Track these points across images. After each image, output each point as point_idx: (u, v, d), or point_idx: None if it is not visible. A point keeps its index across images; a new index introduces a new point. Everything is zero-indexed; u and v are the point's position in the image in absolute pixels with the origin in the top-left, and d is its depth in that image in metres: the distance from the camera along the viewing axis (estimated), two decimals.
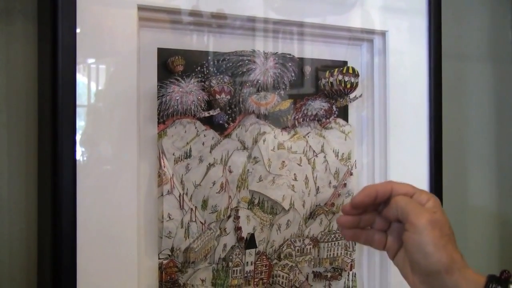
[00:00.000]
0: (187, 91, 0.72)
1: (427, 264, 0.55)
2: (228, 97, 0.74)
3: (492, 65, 1.10)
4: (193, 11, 0.71)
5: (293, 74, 0.81)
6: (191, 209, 0.72)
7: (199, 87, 0.73)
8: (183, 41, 0.73)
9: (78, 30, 0.62)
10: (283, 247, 0.80)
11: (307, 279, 0.83)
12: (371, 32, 0.87)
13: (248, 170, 0.77)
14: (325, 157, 0.84)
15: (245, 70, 0.76)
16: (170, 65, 0.71)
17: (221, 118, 0.75)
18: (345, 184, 0.85)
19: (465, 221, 1.06)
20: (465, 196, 1.07)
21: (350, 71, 0.83)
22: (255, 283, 0.77)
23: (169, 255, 0.71)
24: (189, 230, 0.72)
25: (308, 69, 0.83)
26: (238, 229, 0.76)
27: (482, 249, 1.08)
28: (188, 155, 0.72)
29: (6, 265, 0.66)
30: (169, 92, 0.70)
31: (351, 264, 0.86)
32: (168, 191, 0.71)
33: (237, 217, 0.76)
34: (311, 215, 0.83)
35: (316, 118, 0.83)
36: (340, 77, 0.82)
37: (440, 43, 0.90)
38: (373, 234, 0.64)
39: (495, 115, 1.10)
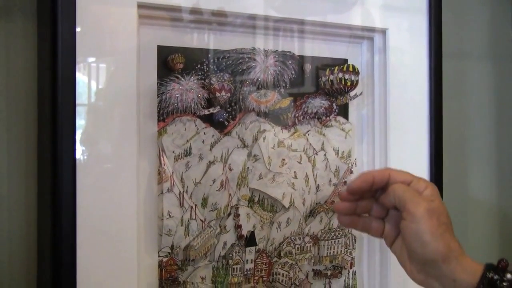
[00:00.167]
0: (187, 89, 0.72)
1: (424, 253, 0.55)
2: (228, 95, 0.74)
3: (492, 63, 1.10)
4: (194, 8, 0.71)
5: (293, 72, 0.81)
6: (191, 207, 0.72)
7: (199, 85, 0.73)
8: (183, 38, 0.73)
9: (78, 29, 0.62)
10: (283, 245, 0.80)
11: (307, 277, 0.83)
12: (372, 30, 0.87)
13: (248, 168, 0.77)
14: (325, 155, 0.84)
15: (245, 68, 0.76)
16: (170, 63, 0.71)
17: (221, 116, 0.75)
18: (345, 182, 0.85)
19: (465, 219, 1.06)
20: (465, 194, 1.07)
21: (351, 69, 0.83)
22: (255, 281, 0.77)
23: (169, 253, 0.71)
24: (189, 228, 0.72)
25: (308, 67, 0.83)
26: (238, 227, 0.76)
27: (482, 247, 1.08)
28: (188, 153, 0.73)
29: (6, 263, 0.66)
30: (169, 90, 0.70)
31: (351, 262, 0.86)
32: (168, 189, 0.71)
33: (237, 215, 0.76)
34: (311, 213, 0.83)
35: (316, 116, 0.83)
36: (340, 75, 0.82)
37: (441, 41, 0.90)
38: (370, 221, 0.64)
39: (496, 114, 1.10)
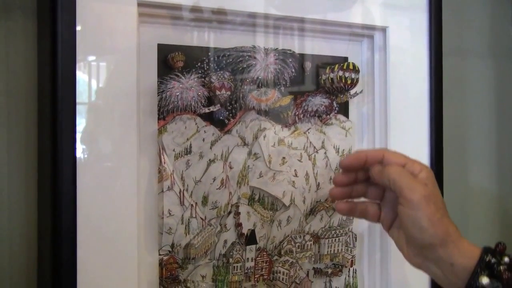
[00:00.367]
0: (187, 87, 0.71)
1: (422, 238, 0.55)
2: (229, 93, 0.74)
3: (493, 61, 1.09)
4: (194, 7, 0.71)
5: (293, 70, 0.80)
6: (192, 205, 0.72)
7: (199, 83, 0.73)
8: (183, 37, 0.73)
9: (78, 27, 0.62)
10: (283, 243, 0.80)
11: (307, 275, 0.83)
12: (372, 28, 0.87)
13: (248, 166, 0.77)
14: (325, 153, 0.84)
15: (245, 66, 0.76)
16: (170, 61, 0.71)
17: (221, 114, 0.75)
18: None
19: (466, 217, 1.06)
20: (466, 192, 1.07)
21: (351, 67, 0.83)
22: (255, 279, 0.77)
23: (169, 251, 0.71)
24: (189, 226, 0.72)
25: (308, 65, 0.83)
26: (238, 225, 0.76)
27: (483, 243, 1.08)
28: (188, 151, 0.72)
29: (6, 262, 0.66)
30: (169, 88, 0.70)
31: (352, 260, 0.86)
32: (169, 187, 0.71)
33: (237, 213, 0.76)
34: (312, 211, 0.83)
35: (317, 114, 0.83)
36: (340, 73, 0.82)
37: (441, 39, 0.90)
38: (366, 206, 0.64)
39: (496, 112, 1.10)
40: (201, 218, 0.73)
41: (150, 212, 0.70)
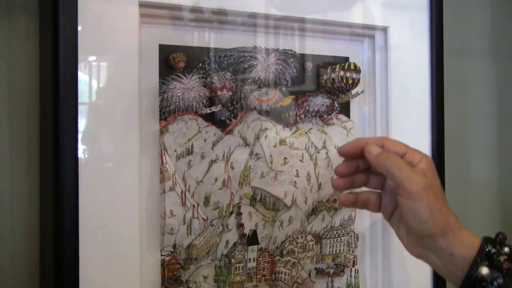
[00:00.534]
0: (188, 88, 0.71)
1: (422, 228, 0.55)
2: (230, 93, 0.74)
3: (494, 60, 1.10)
4: (195, 7, 0.71)
5: (294, 70, 0.80)
6: (193, 205, 0.72)
7: (200, 84, 0.73)
8: (184, 37, 0.73)
9: (79, 27, 0.62)
10: (285, 243, 0.80)
11: (309, 275, 0.83)
12: (373, 28, 0.87)
13: (250, 166, 0.77)
14: (327, 153, 0.83)
15: (246, 66, 0.76)
16: (171, 62, 0.71)
17: (223, 114, 0.75)
18: None
19: (466, 216, 1.06)
20: (467, 191, 1.07)
21: (352, 67, 0.83)
22: (257, 279, 0.77)
23: (171, 251, 0.71)
24: (191, 226, 0.72)
25: (309, 65, 0.83)
26: (240, 225, 0.76)
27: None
28: (190, 152, 0.72)
29: (9, 262, 0.66)
30: (170, 89, 0.70)
31: (354, 261, 0.86)
32: (170, 187, 0.71)
33: (239, 214, 0.76)
34: (313, 212, 0.83)
35: (318, 114, 0.83)
36: (341, 73, 0.82)
37: (442, 39, 0.90)
38: (367, 196, 0.63)
39: (497, 111, 1.10)
40: (203, 219, 0.73)
41: (152, 212, 0.70)
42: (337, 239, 0.84)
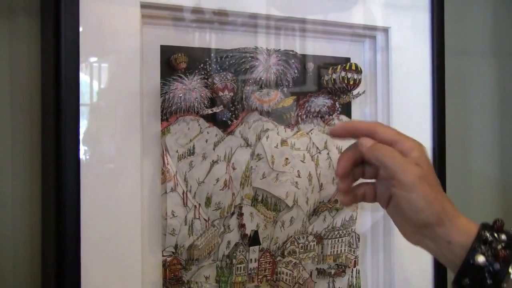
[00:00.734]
0: (190, 88, 0.72)
1: (418, 218, 0.54)
2: (231, 94, 0.74)
3: (495, 60, 1.09)
4: (197, 8, 0.71)
5: (296, 71, 0.81)
6: (195, 206, 0.72)
7: (202, 84, 0.73)
8: (186, 38, 0.73)
9: (81, 28, 0.62)
10: (286, 244, 0.80)
11: (311, 275, 0.83)
12: (374, 28, 0.87)
13: (251, 167, 0.77)
14: (328, 153, 0.84)
15: (248, 67, 0.76)
16: (173, 62, 0.71)
17: (224, 115, 0.75)
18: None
19: (468, 215, 1.06)
20: (468, 191, 1.07)
21: (353, 67, 0.83)
22: (259, 280, 0.77)
23: (173, 252, 0.71)
24: (192, 227, 0.72)
25: (311, 66, 0.83)
26: (241, 226, 0.76)
27: None
28: (191, 152, 0.73)
29: (11, 262, 0.66)
30: (172, 90, 0.70)
31: (355, 261, 0.86)
32: (172, 188, 0.71)
33: (240, 214, 0.76)
34: (315, 212, 0.83)
35: (319, 115, 0.83)
36: (343, 73, 0.82)
37: (443, 39, 0.90)
38: (363, 189, 0.62)
39: (499, 111, 1.10)
40: (205, 219, 0.73)
41: (154, 213, 0.70)
42: (338, 240, 0.84)
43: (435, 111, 0.89)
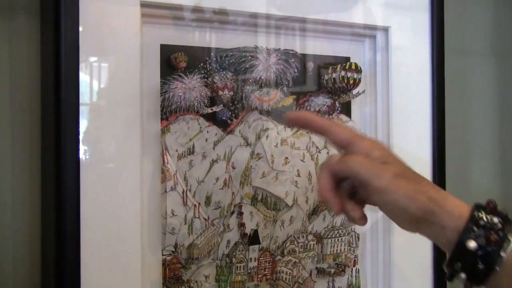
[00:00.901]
0: (190, 88, 0.72)
1: (406, 215, 0.53)
2: (231, 93, 0.74)
3: (495, 60, 1.09)
4: (196, 7, 0.71)
5: (296, 70, 0.81)
6: (195, 205, 0.72)
7: (202, 84, 0.73)
8: (186, 37, 0.73)
9: (80, 28, 0.62)
10: (286, 243, 0.80)
11: (310, 275, 0.83)
12: (374, 28, 0.87)
13: (251, 166, 0.77)
14: (328, 153, 0.84)
15: (248, 66, 0.76)
16: (173, 62, 0.71)
17: (224, 114, 0.75)
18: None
19: None
20: (468, 192, 1.07)
21: (353, 67, 0.83)
22: (258, 279, 0.77)
23: (172, 251, 0.71)
24: (192, 226, 0.72)
25: (310, 65, 0.83)
26: (241, 225, 0.76)
27: None
28: (191, 151, 0.73)
29: (10, 262, 0.66)
30: (172, 89, 0.70)
31: (355, 260, 0.86)
32: (172, 187, 0.71)
33: (240, 213, 0.76)
34: (314, 211, 0.83)
35: (319, 114, 0.83)
36: (343, 73, 0.82)
37: (443, 39, 0.90)
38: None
39: (499, 111, 1.10)
40: (204, 218, 0.73)
41: (153, 212, 0.70)
42: (338, 239, 0.85)
43: (434, 110, 0.89)
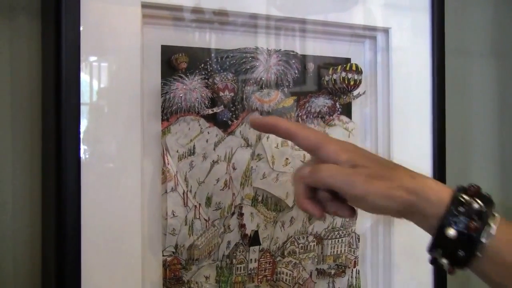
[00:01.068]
0: (190, 88, 0.72)
1: (387, 211, 0.53)
2: (232, 94, 0.74)
3: (495, 61, 1.10)
4: (197, 8, 0.71)
5: (296, 71, 0.81)
6: (195, 206, 0.72)
7: (202, 84, 0.73)
8: (187, 38, 0.73)
9: (81, 28, 0.62)
10: (286, 244, 0.80)
11: (310, 276, 0.83)
12: (374, 29, 0.87)
13: (251, 167, 0.77)
14: None
15: (248, 67, 0.76)
16: (174, 62, 0.71)
17: (224, 115, 0.75)
18: None
19: None
20: None
21: (354, 68, 0.83)
22: (259, 280, 0.77)
23: (173, 252, 0.71)
24: (193, 227, 0.72)
25: (311, 67, 0.83)
26: (242, 226, 0.76)
27: None
28: (192, 152, 0.73)
29: (11, 262, 0.66)
30: (173, 89, 0.70)
31: (355, 261, 0.86)
32: (172, 188, 0.71)
33: (241, 214, 0.76)
34: None
35: (320, 115, 0.83)
36: (343, 74, 0.82)
37: (444, 40, 0.90)
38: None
39: (499, 112, 1.10)
40: (205, 219, 0.73)
41: (154, 213, 0.70)
42: (338, 240, 0.84)
43: (435, 111, 0.89)
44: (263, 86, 0.78)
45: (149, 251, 0.70)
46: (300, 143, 0.57)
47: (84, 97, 0.63)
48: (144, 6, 0.67)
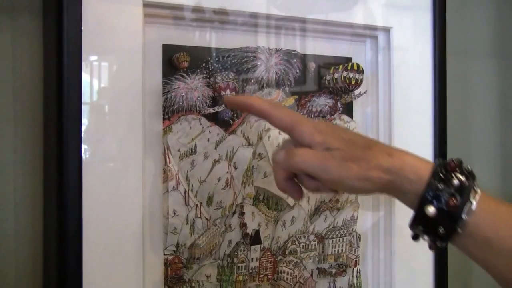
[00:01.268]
0: (192, 88, 0.72)
1: (366, 192, 0.53)
2: (233, 93, 0.74)
3: (497, 61, 1.10)
4: (199, 7, 0.71)
5: (297, 71, 0.81)
6: (196, 205, 0.72)
7: (204, 84, 0.73)
8: (188, 37, 0.73)
9: (83, 27, 0.62)
10: (288, 243, 0.80)
11: (311, 275, 0.83)
12: (375, 28, 0.87)
13: (253, 166, 0.77)
14: None
15: (250, 66, 0.76)
16: (175, 62, 0.71)
17: (226, 114, 0.75)
18: None
19: None
20: None
21: (355, 67, 0.83)
22: (260, 279, 0.77)
23: (174, 251, 0.71)
24: (194, 226, 0.72)
25: (312, 66, 0.83)
26: (243, 225, 0.76)
27: None
28: (193, 151, 0.73)
29: (12, 262, 0.66)
30: (174, 89, 0.70)
31: (356, 261, 0.86)
32: (174, 187, 0.71)
33: (242, 213, 0.76)
34: (316, 211, 0.83)
35: (321, 115, 0.83)
36: (344, 73, 0.82)
37: (445, 39, 0.90)
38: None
39: (500, 112, 1.10)
40: (206, 218, 0.73)
41: (155, 212, 0.70)
42: (339, 239, 0.85)
43: (436, 111, 0.89)
44: (264, 85, 0.78)
45: (150, 250, 0.70)
46: (274, 123, 0.56)
47: (86, 96, 0.63)
48: (145, 5, 0.67)
